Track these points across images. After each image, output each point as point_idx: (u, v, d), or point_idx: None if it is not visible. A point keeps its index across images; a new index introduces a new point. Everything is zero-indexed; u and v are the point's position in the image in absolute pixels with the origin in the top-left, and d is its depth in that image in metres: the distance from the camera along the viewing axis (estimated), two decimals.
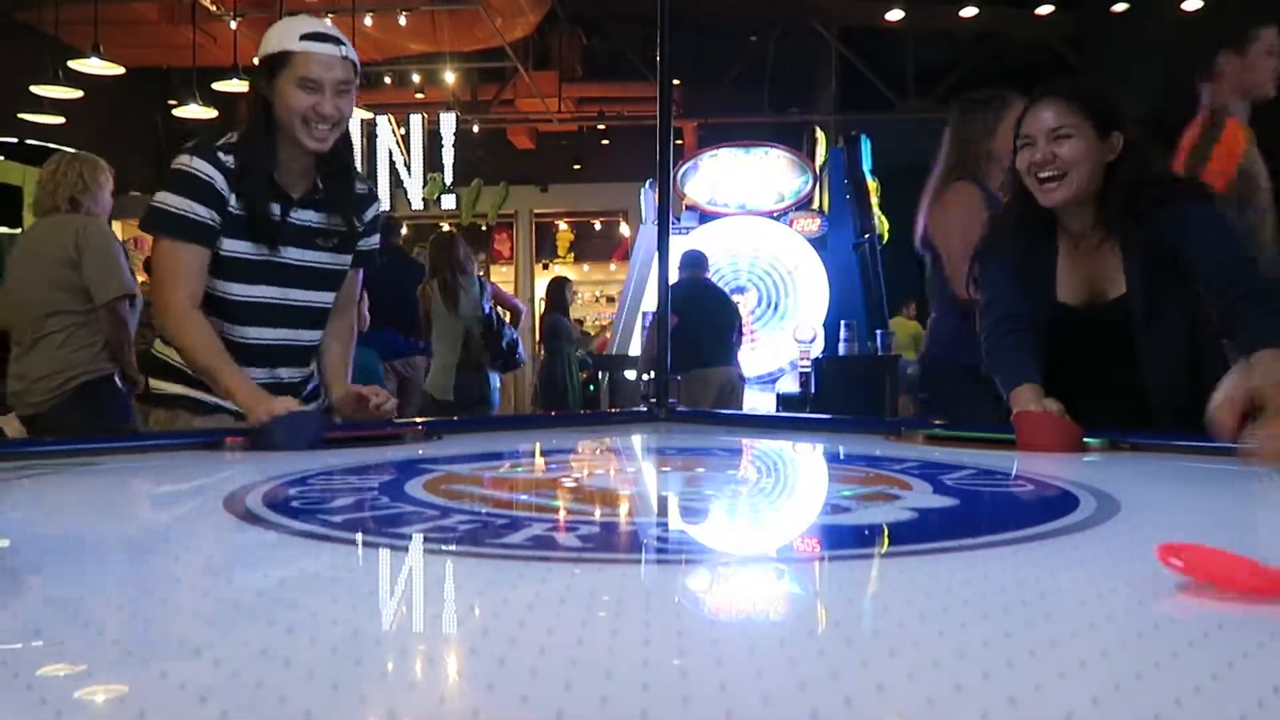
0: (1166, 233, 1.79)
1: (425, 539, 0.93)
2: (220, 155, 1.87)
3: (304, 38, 1.85)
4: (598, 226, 14.45)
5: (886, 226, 8.20)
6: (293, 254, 1.96)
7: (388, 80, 12.72)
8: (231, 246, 1.90)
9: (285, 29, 1.88)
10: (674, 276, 8.09)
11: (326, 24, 1.93)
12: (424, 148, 10.80)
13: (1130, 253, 1.83)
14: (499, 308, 5.45)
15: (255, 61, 1.91)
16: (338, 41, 1.88)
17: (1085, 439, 1.65)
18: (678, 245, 7.45)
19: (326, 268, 2.03)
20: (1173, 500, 1.23)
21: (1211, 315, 1.83)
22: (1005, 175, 1.99)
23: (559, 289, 7.82)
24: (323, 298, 2.05)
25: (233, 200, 1.88)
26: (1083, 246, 1.89)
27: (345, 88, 1.88)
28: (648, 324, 7.68)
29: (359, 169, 2.12)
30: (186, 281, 1.85)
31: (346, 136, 1.98)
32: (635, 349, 7.60)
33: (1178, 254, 1.80)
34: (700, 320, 5.40)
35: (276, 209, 1.92)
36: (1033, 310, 1.93)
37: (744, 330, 6.05)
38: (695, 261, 5.86)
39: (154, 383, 2.02)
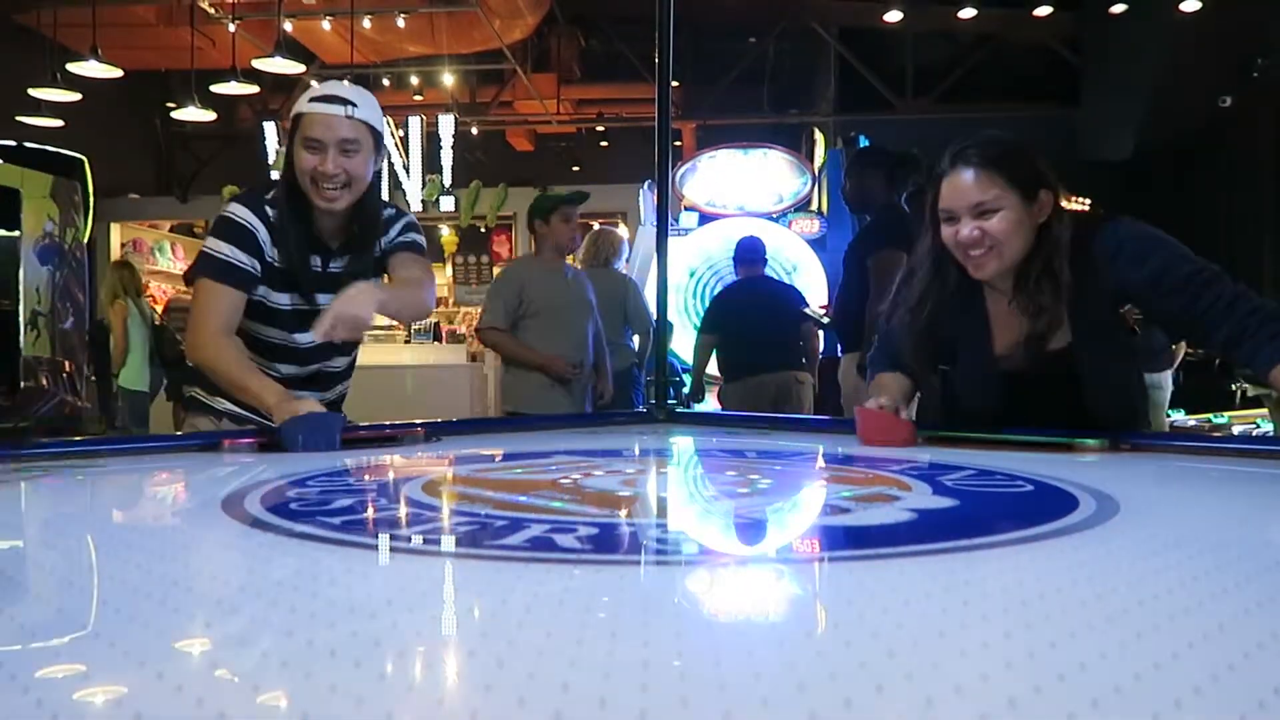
0: (1113, 279, 1.71)
1: (424, 540, 0.93)
2: (266, 208, 1.96)
3: (313, 100, 1.93)
4: (596, 227, 14.43)
5: None
6: (320, 300, 2.00)
7: (386, 82, 12.71)
8: (272, 297, 1.99)
9: (305, 95, 1.99)
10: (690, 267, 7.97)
11: (344, 87, 1.99)
12: (423, 150, 10.79)
13: (1040, 319, 1.73)
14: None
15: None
16: (345, 103, 1.92)
17: (1085, 440, 1.65)
18: (677, 246, 7.46)
19: None
20: (1172, 500, 1.23)
21: (1201, 344, 1.77)
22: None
23: None
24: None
25: (271, 251, 1.97)
26: (1015, 304, 1.77)
27: (350, 147, 1.91)
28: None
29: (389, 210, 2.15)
30: (219, 318, 1.92)
31: (371, 194, 2.01)
32: None
33: (1127, 298, 1.73)
34: (752, 323, 4.96)
35: (317, 261, 2.00)
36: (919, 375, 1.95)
37: (811, 332, 5.28)
38: (752, 254, 5.29)
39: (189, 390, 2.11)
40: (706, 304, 8.15)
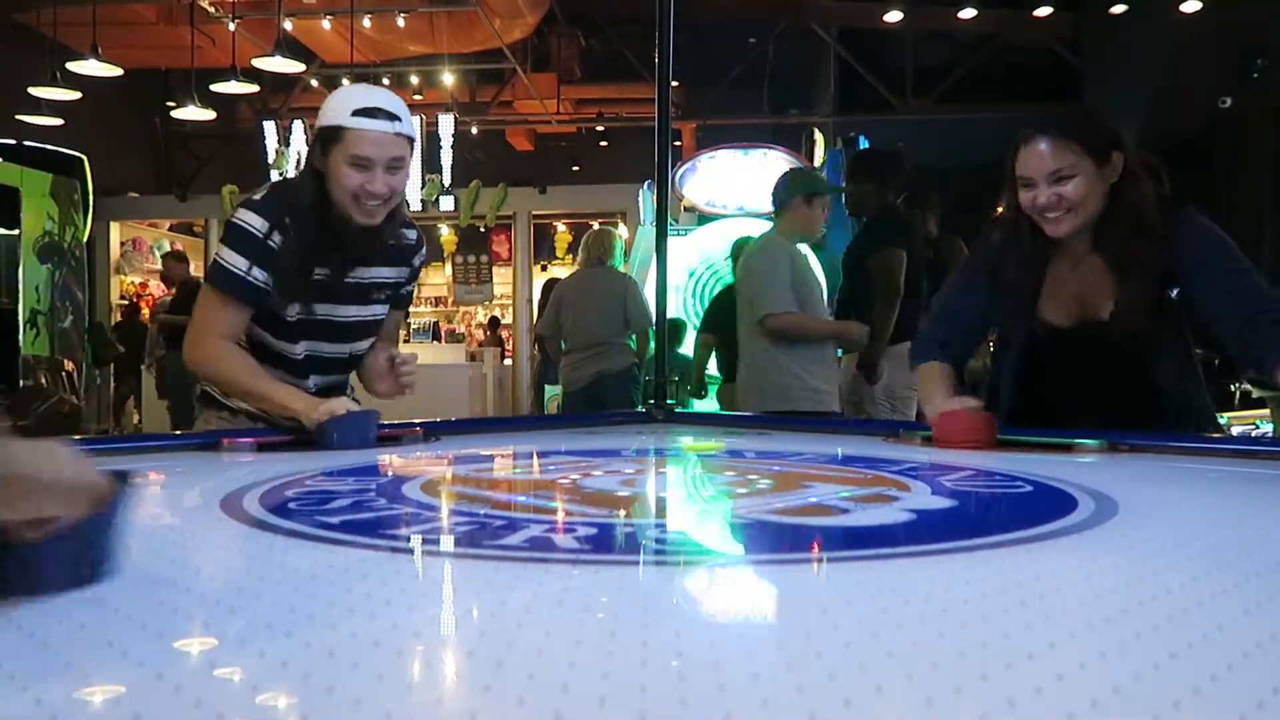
0: (1172, 251, 1.78)
1: (423, 541, 0.93)
2: (285, 219, 1.87)
3: (356, 113, 1.80)
4: (596, 228, 14.44)
5: None
6: (350, 311, 2.00)
7: (386, 82, 12.71)
8: (292, 309, 1.92)
9: (341, 102, 1.84)
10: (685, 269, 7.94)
11: (383, 96, 1.87)
12: (422, 149, 10.78)
13: (1130, 274, 1.81)
14: None
15: (316, 128, 1.89)
16: (392, 116, 1.83)
17: (1082, 440, 1.65)
18: (677, 247, 7.46)
19: (375, 319, 2.07)
20: (1171, 501, 1.23)
21: (1216, 331, 1.81)
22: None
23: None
24: (366, 345, 2.08)
25: (289, 262, 1.88)
26: (1079, 268, 1.87)
27: (398, 164, 1.84)
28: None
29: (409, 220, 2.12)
30: (223, 330, 1.89)
31: (399, 206, 1.97)
32: None
33: (1177, 270, 1.79)
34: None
35: (338, 269, 1.94)
36: (965, 345, 2.08)
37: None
38: None
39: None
40: (705, 305, 8.16)
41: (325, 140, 1.83)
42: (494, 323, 13.21)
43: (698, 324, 8.05)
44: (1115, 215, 1.81)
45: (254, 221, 1.85)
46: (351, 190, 1.82)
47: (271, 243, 1.86)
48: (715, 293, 6.43)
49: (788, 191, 3.55)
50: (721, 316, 5.21)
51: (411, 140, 1.87)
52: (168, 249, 12.53)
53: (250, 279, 1.85)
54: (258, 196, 1.92)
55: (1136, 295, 1.81)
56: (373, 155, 1.80)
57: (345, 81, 10.75)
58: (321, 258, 1.91)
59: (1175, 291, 1.85)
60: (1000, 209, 1.99)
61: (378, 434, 1.83)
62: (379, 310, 2.06)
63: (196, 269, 9.54)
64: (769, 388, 3.46)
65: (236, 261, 1.85)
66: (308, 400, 1.82)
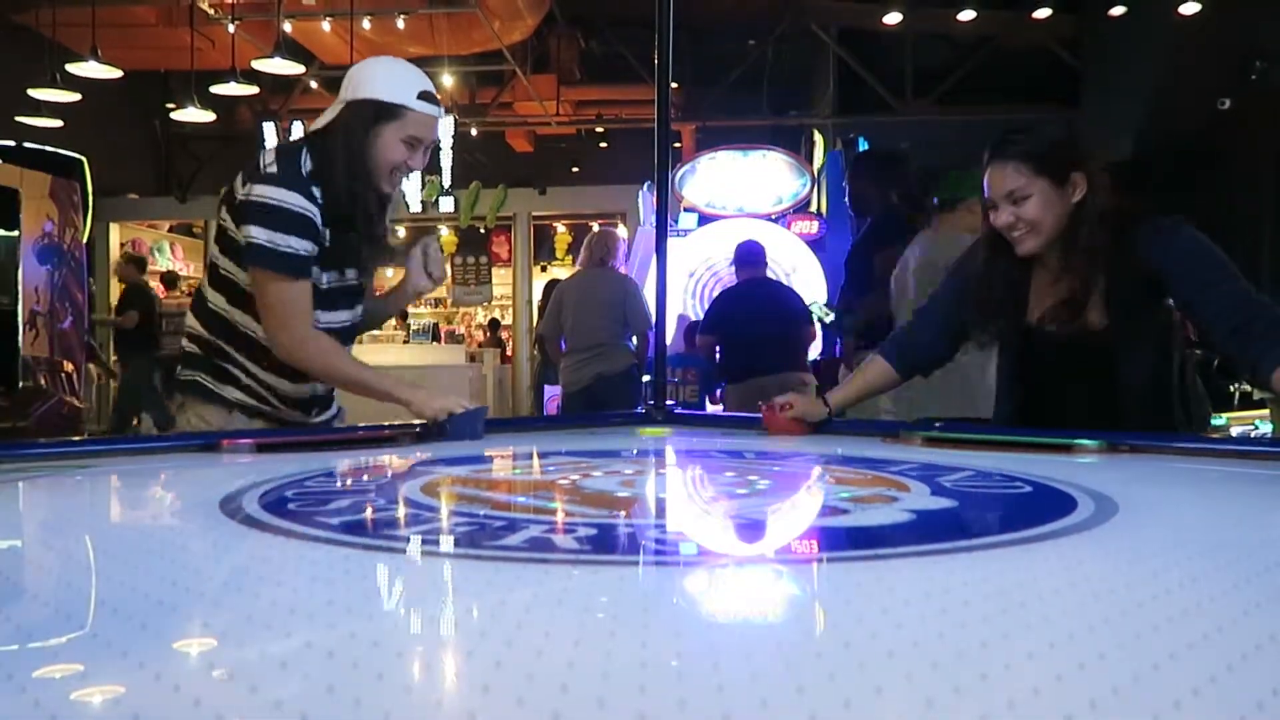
0: (1149, 257, 1.82)
1: (422, 541, 0.93)
2: (312, 189, 1.88)
3: (422, 96, 1.90)
4: (596, 229, 14.45)
5: None
6: (351, 276, 2.04)
7: None
8: (321, 278, 1.95)
9: (400, 80, 1.91)
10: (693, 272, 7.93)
11: (430, 81, 1.98)
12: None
13: (1086, 284, 1.86)
14: None
15: (355, 97, 1.92)
16: (440, 103, 1.98)
17: (1082, 441, 1.65)
18: (676, 247, 7.46)
19: (363, 283, 2.11)
20: (1171, 502, 1.23)
21: (1208, 339, 1.88)
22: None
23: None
24: (359, 312, 2.11)
25: (324, 233, 1.91)
26: (1059, 281, 1.92)
27: (433, 146, 1.99)
28: (681, 327, 7.58)
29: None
30: (308, 316, 1.91)
31: None
32: None
33: (1160, 278, 1.83)
34: (757, 324, 4.93)
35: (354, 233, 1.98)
36: (938, 351, 2.13)
37: (811, 334, 5.34)
38: (751, 259, 5.27)
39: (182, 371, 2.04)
40: (704, 305, 8.16)
41: (381, 113, 1.89)
42: (494, 324, 13.22)
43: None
44: (1076, 233, 1.85)
45: (287, 197, 1.85)
46: (397, 164, 1.92)
47: (310, 215, 1.87)
48: (715, 295, 6.40)
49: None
50: (721, 318, 5.21)
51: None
52: (167, 252, 12.57)
53: (300, 252, 1.86)
54: (273, 169, 1.88)
55: (1120, 301, 1.85)
56: (425, 138, 1.93)
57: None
58: (367, 222, 1.96)
59: (1170, 301, 1.89)
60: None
61: (381, 435, 1.85)
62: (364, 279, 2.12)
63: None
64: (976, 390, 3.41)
65: (290, 242, 1.84)
66: (423, 396, 1.92)
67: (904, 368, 2.12)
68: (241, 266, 1.92)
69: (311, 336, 1.91)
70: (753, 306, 5.05)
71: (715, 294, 6.49)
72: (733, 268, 5.39)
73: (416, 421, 2.00)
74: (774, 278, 5.68)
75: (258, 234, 1.84)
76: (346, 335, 2.07)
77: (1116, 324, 1.87)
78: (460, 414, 1.88)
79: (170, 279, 9.52)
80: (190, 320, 2.04)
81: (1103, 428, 1.83)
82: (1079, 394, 1.95)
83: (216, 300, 1.98)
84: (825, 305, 5.63)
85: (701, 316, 8.03)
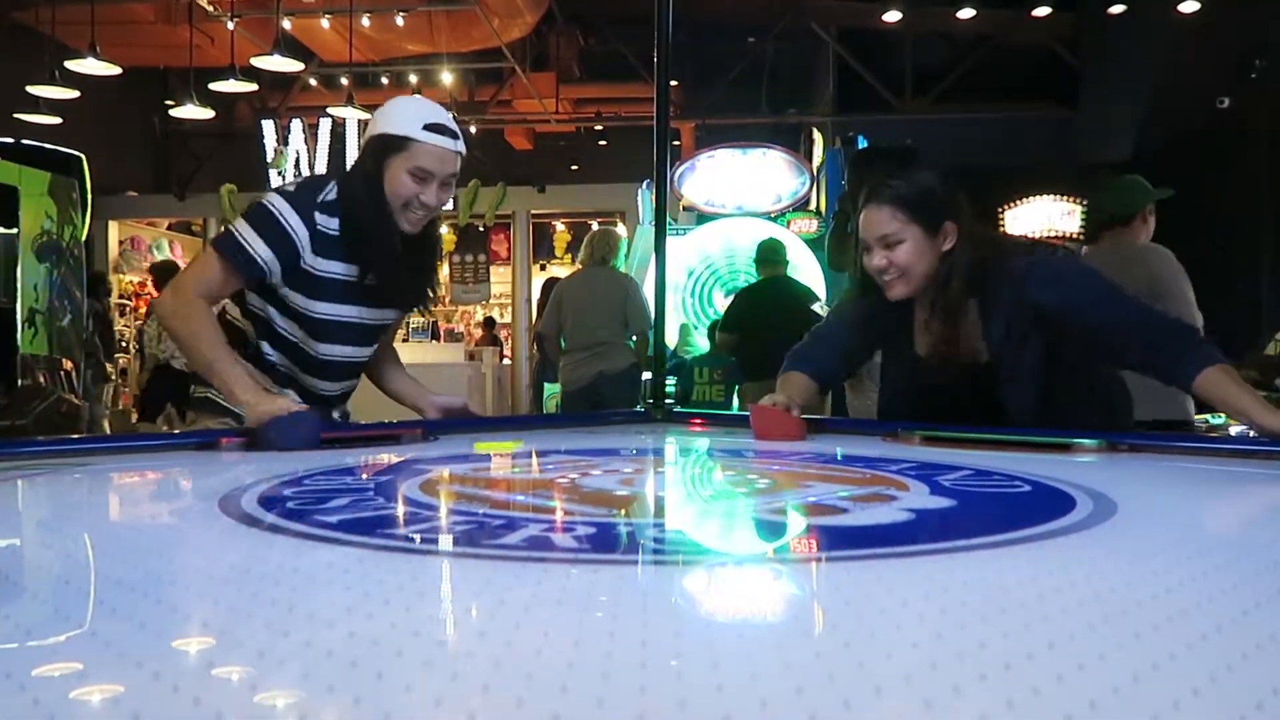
0: (1032, 296, 1.85)
1: (422, 540, 0.93)
2: (318, 215, 1.91)
3: (427, 127, 1.88)
4: (595, 227, 14.45)
5: None
6: (369, 313, 2.04)
7: (385, 81, 12.71)
8: (321, 309, 1.96)
9: (410, 113, 1.91)
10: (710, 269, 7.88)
11: (446, 114, 1.96)
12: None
13: (987, 319, 1.91)
14: None
15: (371, 134, 1.95)
16: (455, 135, 1.92)
17: (1081, 440, 1.65)
18: (675, 246, 7.46)
19: (388, 322, 2.15)
20: (1170, 501, 1.23)
21: (1125, 362, 1.92)
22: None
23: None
24: (369, 351, 2.12)
25: (309, 260, 1.92)
26: (933, 319, 1.96)
27: (451, 180, 1.94)
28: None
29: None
30: (203, 288, 1.90)
31: (436, 217, 2.03)
32: None
33: (1048, 314, 1.85)
34: (775, 323, 4.90)
35: (364, 270, 1.98)
36: (835, 370, 2.22)
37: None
38: (768, 256, 5.32)
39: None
40: (704, 304, 8.16)
41: (388, 147, 1.89)
42: (489, 322, 13.20)
43: (696, 323, 8.06)
44: (945, 282, 1.90)
45: (279, 205, 1.89)
46: (406, 198, 1.89)
47: (290, 228, 1.89)
48: (734, 290, 6.35)
49: (1145, 198, 3.40)
50: (743, 315, 5.19)
51: (462, 156, 1.95)
52: (165, 250, 12.55)
53: (253, 252, 1.88)
54: (290, 189, 1.96)
55: (954, 347, 1.92)
56: (434, 169, 1.89)
57: (344, 81, 10.76)
58: (352, 256, 1.94)
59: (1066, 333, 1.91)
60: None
61: (380, 433, 1.84)
62: (390, 315, 2.12)
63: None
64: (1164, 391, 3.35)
65: (245, 233, 1.89)
66: (253, 393, 1.77)
67: (820, 384, 2.19)
68: (262, 295, 1.98)
69: (194, 304, 1.87)
70: (773, 303, 5.10)
71: (736, 291, 6.48)
72: (754, 264, 5.42)
73: (416, 420, 2.00)
74: (791, 277, 5.71)
75: (236, 223, 1.92)
76: (350, 370, 2.10)
77: (999, 357, 1.91)
78: (284, 418, 1.68)
79: (161, 271, 9.48)
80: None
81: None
82: (964, 415, 1.96)
83: (235, 311, 2.04)
84: (827, 305, 5.63)
85: (699, 317, 8.05)
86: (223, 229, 1.93)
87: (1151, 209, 3.32)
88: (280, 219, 1.88)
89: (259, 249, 1.88)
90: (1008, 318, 1.89)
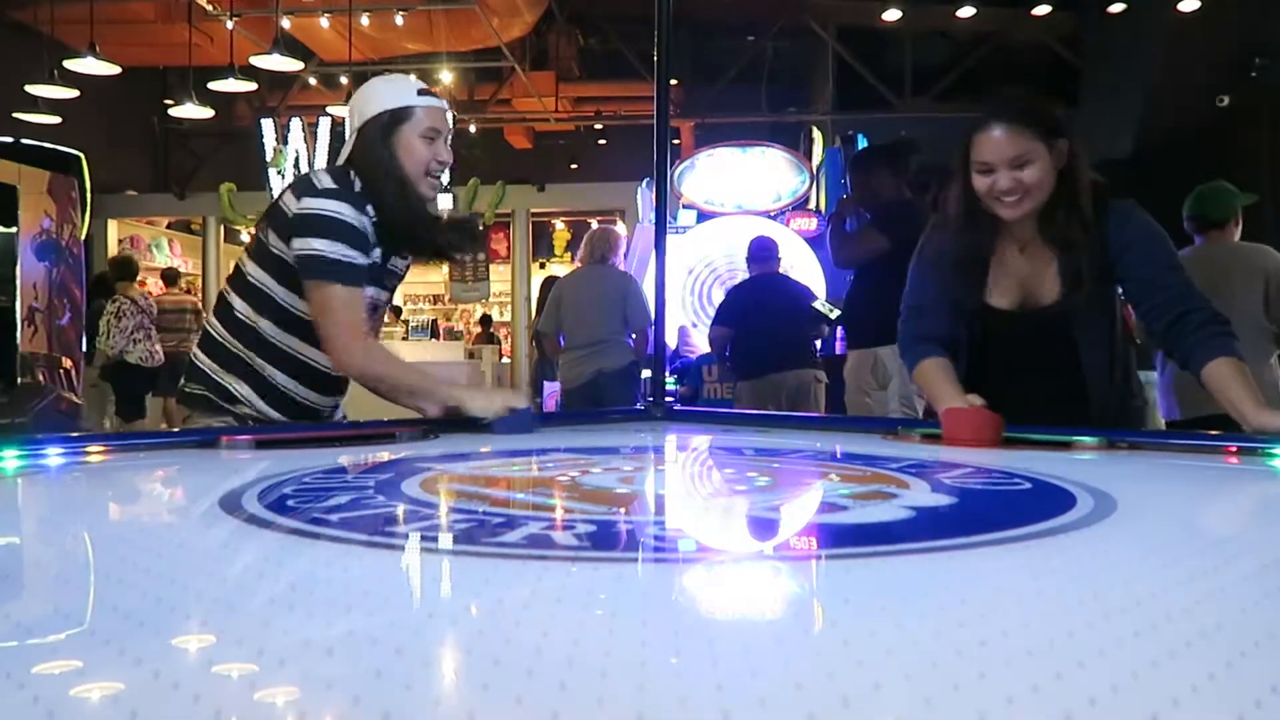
0: (1109, 239, 1.86)
1: (421, 538, 0.93)
2: (368, 207, 1.95)
3: (421, 93, 1.98)
4: (595, 225, 14.45)
5: None
6: (383, 295, 2.10)
7: None
8: (369, 292, 2.00)
9: (398, 87, 1.99)
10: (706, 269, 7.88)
11: (422, 81, 2.07)
12: None
13: (1069, 257, 1.88)
14: None
15: (364, 120, 1.97)
16: (438, 95, 2.04)
17: (1081, 438, 1.65)
18: (675, 244, 7.46)
19: (390, 304, 2.20)
20: (1169, 498, 1.23)
21: (1145, 323, 1.91)
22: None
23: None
24: (382, 297, 2.15)
25: (375, 251, 1.98)
26: (1027, 251, 1.93)
27: (449, 136, 2.03)
28: (685, 339, 7.60)
29: None
30: (363, 325, 1.96)
31: None
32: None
33: (1116, 261, 1.86)
34: (769, 320, 4.94)
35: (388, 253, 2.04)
36: (951, 329, 2.00)
37: (822, 330, 5.33)
38: (765, 255, 5.28)
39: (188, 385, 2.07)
40: (704, 302, 8.15)
41: (395, 120, 1.95)
42: (486, 320, 13.19)
43: (696, 321, 8.06)
44: (1058, 199, 1.86)
45: (344, 210, 1.90)
46: (425, 162, 1.96)
47: (365, 229, 1.93)
48: (730, 287, 6.27)
49: (1236, 200, 3.49)
50: (736, 311, 5.15)
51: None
52: (165, 249, 12.55)
53: (361, 264, 1.92)
54: (330, 185, 1.92)
55: (1077, 278, 1.87)
56: (441, 127, 1.98)
57: (343, 80, 10.75)
58: (390, 240, 2.01)
59: (1119, 288, 1.93)
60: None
61: (380, 431, 1.85)
62: (384, 295, 2.15)
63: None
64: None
65: (343, 251, 1.89)
66: (481, 395, 1.94)
67: (952, 358, 2.01)
68: (280, 280, 1.95)
69: (371, 344, 1.98)
70: (766, 301, 5.05)
71: (728, 288, 6.47)
72: (746, 262, 5.38)
73: (415, 418, 2.00)
74: (786, 273, 5.65)
75: (319, 245, 1.88)
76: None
77: (1074, 301, 1.88)
78: (510, 415, 1.90)
79: (170, 275, 9.52)
80: (215, 327, 2.04)
81: (1063, 409, 1.88)
82: (1036, 374, 1.95)
83: (244, 310, 2.00)
84: (828, 301, 5.60)
85: (700, 315, 8.03)
86: (314, 259, 1.88)
87: (1240, 211, 3.41)
88: (353, 223, 1.91)
89: (358, 259, 1.92)
90: (1091, 257, 1.86)
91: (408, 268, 2.20)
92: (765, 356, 4.92)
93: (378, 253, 1.99)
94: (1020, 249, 1.93)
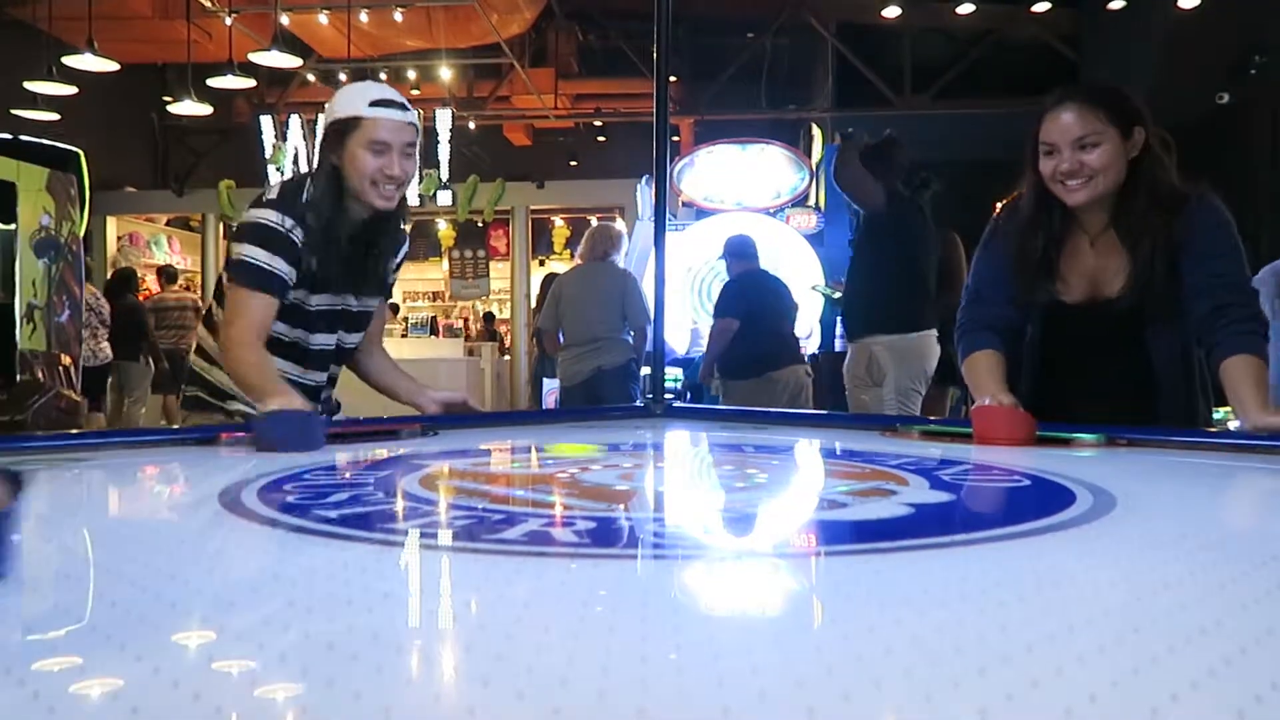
0: (1176, 229, 1.81)
1: (421, 534, 0.93)
2: (304, 215, 1.95)
3: (374, 104, 1.94)
4: (594, 223, 14.44)
5: None
6: (351, 302, 2.08)
7: (383, 77, 12.68)
8: (314, 300, 2.01)
9: (355, 95, 1.97)
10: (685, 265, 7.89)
11: (392, 91, 2.02)
12: (420, 144, 10.77)
13: (1140, 249, 1.83)
14: None
15: (324, 126, 2.00)
16: (404, 107, 1.98)
17: (1076, 434, 1.65)
18: (674, 242, 7.46)
19: (369, 310, 2.16)
20: (1168, 495, 1.23)
21: (1188, 304, 1.85)
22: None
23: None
24: (359, 337, 2.17)
25: (308, 257, 1.96)
26: (1097, 244, 1.89)
27: (410, 150, 1.97)
28: (698, 340, 7.58)
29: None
30: (252, 323, 1.92)
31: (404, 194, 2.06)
32: None
33: (1179, 247, 1.82)
34: (763, 318, 4.87)
35: (350, 258, 2.02)
36: (1014, 317, 1.95)
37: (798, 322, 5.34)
38: (745, 251, 5.15)
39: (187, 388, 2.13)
40: (704, 300, 8.14)
41: (343, 131, 1.94)
42: (489, 318, 13.19)
43: (697, 320, 8.06)
44: (1133, 190, 1.82)
45: (272, 217, 1.93)
46: (370, 175, 1.92)
47: (293, 237, 1.93)
48: (727, 280, 6.20)
49: None
50: (740, 303, 5.03)
51: (418, 129, 2.01)
52: (164, 246, 12.54)
53: (274, 270, 1.92)
54: (272, 195, 1.99)
55: (1147, 272, 1.82)
56: (390, 140, 1.93)
57: (342, 77, 10.74)
58: (338, 248, 1.98)
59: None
60: (1008, 198, 2.00)
61: (379, 429, 1.84)
62: (371, 303, 2.15)
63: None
64: None
65: (258, 255, 1.91)
66: (277, 390, 1.78)
67: (1005, 349, 1.95)
68: None
69: (240, 339, 1.90)
70: (763, 298, 4.97)
71: (721, 284, 6.42)
72: (723, 260, 5.26)
73: (415, 416, 2.00)
74: (768, 271, 5.58)
75: (239, 249, 1.94)
76: (337, 356, 2.14)
77: (1144, 296, 1.84)
78: (279, 415, 1.63)
79: (170, 273, 9.53)
80: (202, 333, 2.13)
81: (1129, 404, 1.85)
82: (1104, 369, 1.91)
83: (219, 312, 2.05)
84: (830, 283, 5.51)
85: (701, 313, 8.02)
86: (231, 263, 1.94)
87: None
88: (279, 228, 1.92)
89: (279, 265, 1.92)
90: (1164, 250, 1.81)
91: (396, 270, 2.20)
92: (767, 353, 4.85)
93: (318, 260, 1.97)
94: (1091, 242, 1.89)
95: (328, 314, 2.05)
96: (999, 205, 2.06)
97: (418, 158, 2.02)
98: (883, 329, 3.75)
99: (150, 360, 8.16)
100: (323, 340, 2.07)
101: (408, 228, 2.23)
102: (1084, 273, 1.91)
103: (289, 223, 1.93)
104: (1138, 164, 1.82)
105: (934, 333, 3.79)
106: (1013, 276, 1.94)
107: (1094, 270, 1.90)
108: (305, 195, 1.97)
